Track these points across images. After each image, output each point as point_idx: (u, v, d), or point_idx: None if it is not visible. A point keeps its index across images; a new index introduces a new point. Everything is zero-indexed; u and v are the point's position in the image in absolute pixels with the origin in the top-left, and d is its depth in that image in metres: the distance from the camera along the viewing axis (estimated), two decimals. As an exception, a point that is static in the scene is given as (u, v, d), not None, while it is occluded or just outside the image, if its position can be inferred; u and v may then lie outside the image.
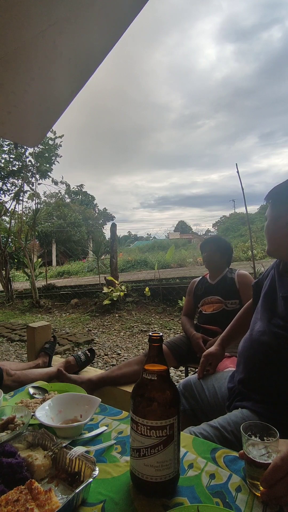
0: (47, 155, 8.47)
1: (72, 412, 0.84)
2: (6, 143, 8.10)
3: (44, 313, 6.55)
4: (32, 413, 0.81)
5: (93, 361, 2.17)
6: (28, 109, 1.52)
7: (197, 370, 1.25)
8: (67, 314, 6.24)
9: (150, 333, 0.60)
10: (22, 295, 8.12)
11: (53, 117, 1.66)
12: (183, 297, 5.03)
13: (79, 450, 0.63)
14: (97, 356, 3.63)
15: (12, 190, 8.72)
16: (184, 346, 1.84)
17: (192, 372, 2.35)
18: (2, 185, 8.69)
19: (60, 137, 8.50)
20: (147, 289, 5.86)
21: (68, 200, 23.89)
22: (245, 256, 11.21)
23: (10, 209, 8.36)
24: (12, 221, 8.35)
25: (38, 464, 0.62)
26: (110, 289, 5.93)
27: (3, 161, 8.38)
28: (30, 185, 8.59)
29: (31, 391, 1.07)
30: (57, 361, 1.67)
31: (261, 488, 0.56)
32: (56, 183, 9.65)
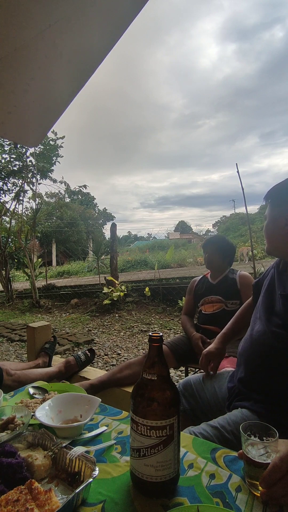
0: (48, 155, 8.46)
1: (72, 412, 0.84)
2: (7, 143, 8.09)
3: (44, 313, 6.55)
4: (32, 413, 0.81)
5: (93, 361, 2.17)
6: (28, 109, 1.52)
7: (197, 370, 1.24)
8: (67, 314, 6.24)
9: (150, 333, 0.60)
10: (22, 295, 8.12)
11: (53, 117, 1.66)
12: (183, 297, 5.03)
13: (79, 450, 0.63)
14: (97, 356, 3.63)
15: (12, 190, 8.71)
16: (184, 346, 1.84)
17: (192, 372, 2.35)
18: (3, 185, 8.68)
19: (62, 138, 8.50)
20: (147, 289, 5.87)
21: (68, 200, 23.88)
22: (246, 256, 11.22)
23: (10, 209, 8.36)
24: (12, 221, 8.34)
25: (38, 464, 0.62)
26: (110, 289, 5.94)
27: (3, 161, 8.37)
28: (31, 185, 8.58)
29: (31, 391, 1.07)
30: (57, 361, 1.67)
31: (260, 488, 0.56)
32: (54, 181, 9.61)
